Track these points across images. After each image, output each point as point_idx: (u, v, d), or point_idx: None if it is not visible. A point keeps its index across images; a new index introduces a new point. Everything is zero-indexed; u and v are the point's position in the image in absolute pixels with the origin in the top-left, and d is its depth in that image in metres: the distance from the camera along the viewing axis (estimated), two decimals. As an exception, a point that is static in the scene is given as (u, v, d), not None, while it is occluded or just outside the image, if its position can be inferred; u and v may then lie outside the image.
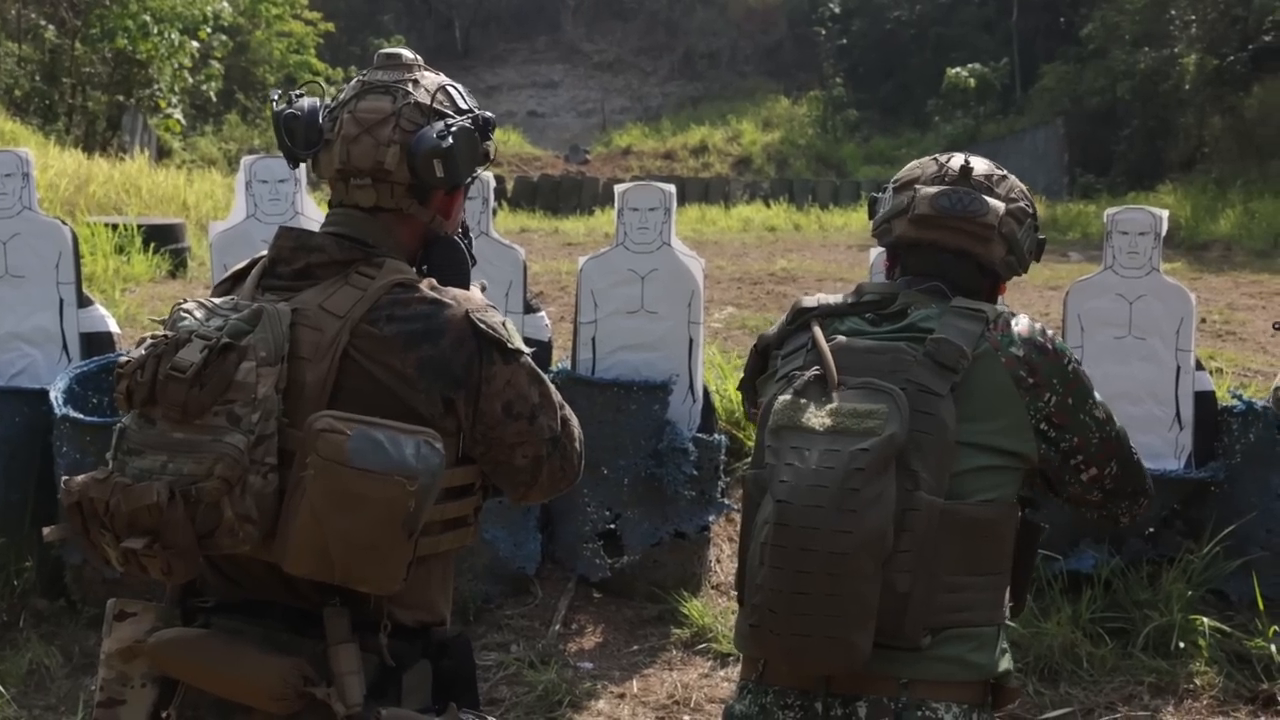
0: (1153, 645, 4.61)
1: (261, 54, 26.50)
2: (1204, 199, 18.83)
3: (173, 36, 20.58)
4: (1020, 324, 2.22)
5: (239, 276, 2.09)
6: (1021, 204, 2.34)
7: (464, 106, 2.10)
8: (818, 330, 2.23)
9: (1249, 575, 4.82)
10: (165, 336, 1.89)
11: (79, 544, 1.93)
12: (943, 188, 2.29)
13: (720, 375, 6.22)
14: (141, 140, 20.29)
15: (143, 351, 1.89)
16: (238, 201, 5.29)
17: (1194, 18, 23.34)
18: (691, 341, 5.26)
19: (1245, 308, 10.90)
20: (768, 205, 21.68)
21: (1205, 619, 4.63)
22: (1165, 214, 5.12)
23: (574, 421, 2.13)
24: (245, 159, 5.37)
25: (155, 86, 21.17)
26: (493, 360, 1.98)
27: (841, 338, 2.21)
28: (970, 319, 2.18)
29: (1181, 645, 4.58)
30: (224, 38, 23.13)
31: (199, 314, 1.93)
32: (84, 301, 5.28)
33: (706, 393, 5.40)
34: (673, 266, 5.24)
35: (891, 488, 2.02)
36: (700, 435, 5.21)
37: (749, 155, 28.04)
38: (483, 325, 1.98)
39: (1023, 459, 2.18)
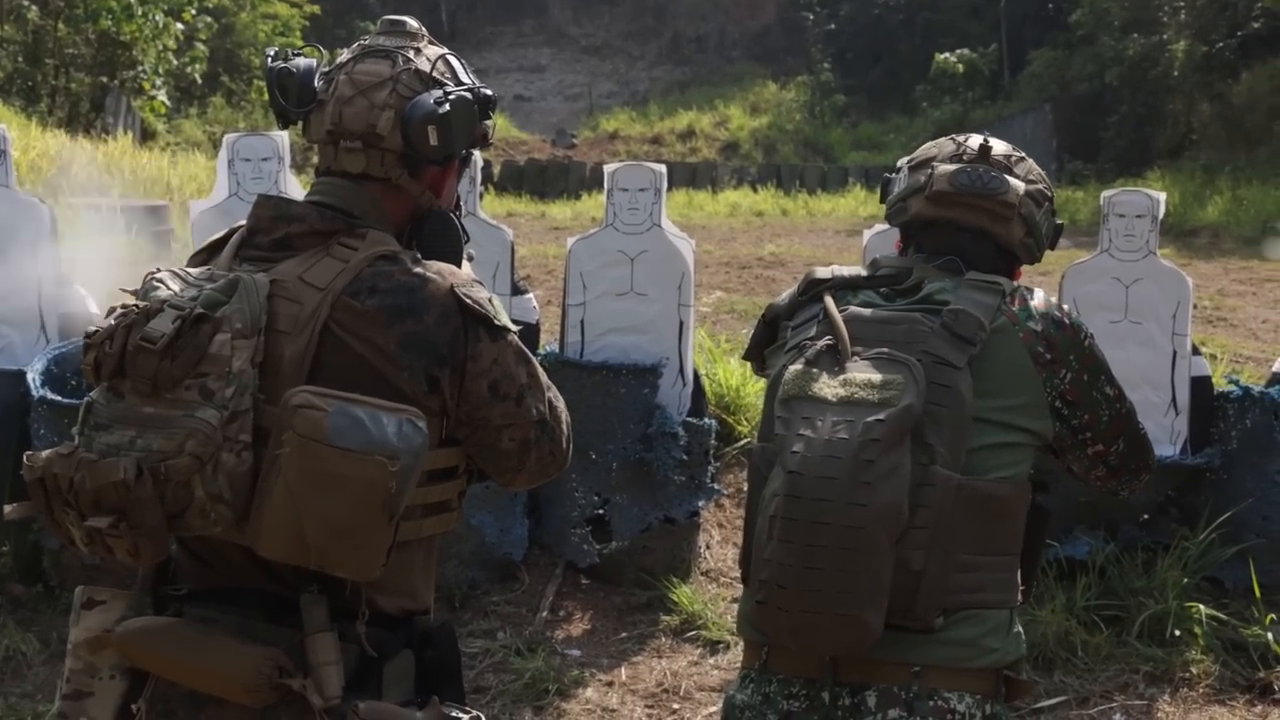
0: (1148, 633, 4.56)
1: (246, 36, 26.27)
2: (1192, 186, 18.78)
3: (157, 18, 20.36)
4: (1036, 298, 2.18)
5: (216, 246, 2.00)
6: (1040, 186, 2.29)
7: (465, 80, 2.01)
8: (829, 301, 2.17)
9: (1245, 562, 4.78)
10: (136, 306, 1.80)
11: (43, 522, 1.84)
12: (961, 165, 2.24)
13: (710, 359, 6.15)
14: (125, 122, 20.10)
15: (112, 322, 1.80)
16: (219, 180, 5.19)
17: (1183, 4, 23.26)
18: (682, 324, 5.19)
19: (1235, 294, 10.88)
20: (755, 190, 21.57)
21: (1202, 606, 4.58)
22: (1163, 196, 5.06)
23: (561, 405, 2.05)
24: (227, 137, 5.28)
25: (139, 68, 20.95)
26: (479, 337, 1.90)
27: (854, 308, 2.15)
28: (986, 291, 2.13)
29: (1177, 633, 4.53)
30: (209, 19, 22.90)
31: (173, 284, 1.84)
32: (62, 282, 5.19)
33: (697, 376, 5.34)
34: (663, 248, 5.17)
35: (907, 461, 1.96)
36: (690, 419, 5.15)
37: (736, 140, 27.91)
38: (468, 300, 1.89)
39: (1037, 436, 2.14)
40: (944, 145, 2.32)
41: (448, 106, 1.93)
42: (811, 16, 31.73)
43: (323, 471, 1.71)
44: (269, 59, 1.99)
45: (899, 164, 2.36)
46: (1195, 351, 5.09)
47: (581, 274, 5.20)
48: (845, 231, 15.82)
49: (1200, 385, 5.05)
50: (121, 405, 1.77)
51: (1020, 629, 2.13)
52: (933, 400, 2.00)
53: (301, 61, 1.98)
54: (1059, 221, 2.34)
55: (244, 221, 1.98)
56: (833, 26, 31.99)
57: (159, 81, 21.48)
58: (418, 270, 1.89)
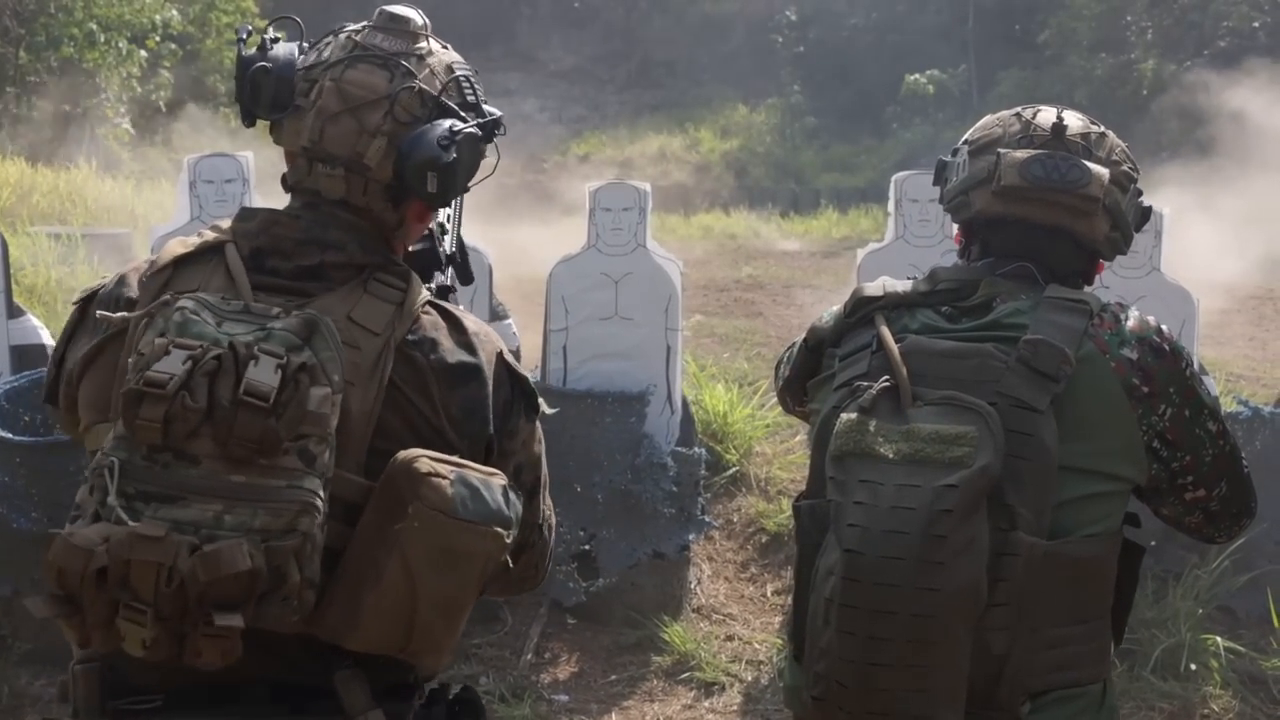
0: (1162, 667, 4.36)
1: (212, 63, 25.94)
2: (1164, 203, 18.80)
3: (120, 45, 20.13)
4: (1130, 318, 1.87)
5: (180, 262, 1.65)
6: (1125, 167, 1.98)
7: (472, 102, 1.72)
8: (884, 329, 1.87)
9: (1257, 590, 4.60)
10: (202, 348, 1.45)
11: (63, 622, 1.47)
12: (1033, 152, 1.92)
13: (695, 385, 5.94)
14: (89, 150, 19.79)
15: (180, 366, 1.43)
16: (180, 203, 4.96)
17: (1150, 24, 23.36)
18: (669, 349, 4.99)
19: (1219, 311, 10.74)
20: (727, 213, 21.44)
21: (1219, 639, 4.38)
22: (1167, 210, 4.89)
23: (553, 514, 1.82)
24: (188, 158, 5.04)
25: (103, 96, 20.68)
26: (519, 413, 1.67)
27: (914, 337, 1.85)
28: (1071, 312, 1.82)
29: (1193, 667, 4.33)
30: (173, 46, 22.66)
31: (208, 317, 1.49)
32: (15, 312, 4.94)
33: (685, 404, 5.13)
34: (648, 270, 4.98)
35: (985, 530, 1.69)
36: (679, 449, 4.95)
37: (708, 163, 27.81)
38: (518, 371, 1.68)
39: (1131, 482, 1.86)
40: (1009, 124, 2.00)
41: (454, 154, 1.63)
42: (780, 39, 31.76)
43: (447, 548, 1.47)
44: (242, 43, 1.69)
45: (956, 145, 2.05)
46: (1202, 371, 4.91)
47: (563, 298, 4.99)
48: (820, 254, 15.69)
49: (1207, 406, 4.87)
50: (193, 472, 1.42)
51: (1115, 703, 1.89)
52: (1012, 452, 1.72)
53: (281, 53, 1.66)
54: (1146, 204, 2.03)
55: (210, 234, 1.67)
56: (802, 49, 32.00)
57: (123, 109, 21.20)
58: (471, 327, 1.66)
